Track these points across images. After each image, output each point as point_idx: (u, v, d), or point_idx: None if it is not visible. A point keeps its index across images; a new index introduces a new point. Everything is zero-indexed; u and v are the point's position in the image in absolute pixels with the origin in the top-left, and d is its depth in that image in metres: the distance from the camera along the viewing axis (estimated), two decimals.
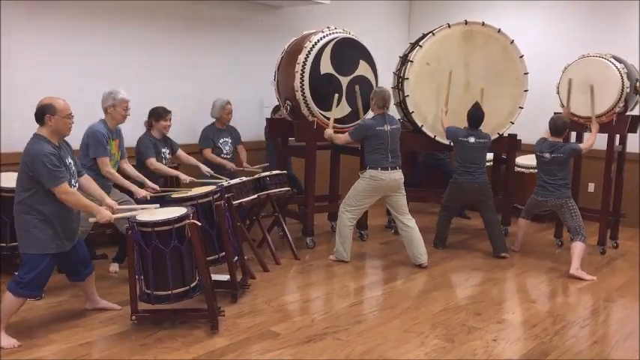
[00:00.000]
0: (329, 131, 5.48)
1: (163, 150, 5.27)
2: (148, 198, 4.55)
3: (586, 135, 5.89)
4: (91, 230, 4.58)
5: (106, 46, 5.61)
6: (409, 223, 5.34)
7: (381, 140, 5.17)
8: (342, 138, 5.43)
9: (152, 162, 5.11)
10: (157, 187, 4.78)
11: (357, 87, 5.63)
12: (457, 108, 5.97)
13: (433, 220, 6.41)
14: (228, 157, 5.84)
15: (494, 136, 6.03)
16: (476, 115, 5.69)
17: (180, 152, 5.43)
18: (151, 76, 5.87)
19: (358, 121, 5.65)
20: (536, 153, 5.56)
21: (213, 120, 5.91)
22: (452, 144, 5.90)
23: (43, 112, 3.55)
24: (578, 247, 5.24)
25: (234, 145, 5.94)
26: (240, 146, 6.00)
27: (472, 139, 5.64)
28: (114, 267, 4.93)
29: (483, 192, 5.71)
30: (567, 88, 5.82)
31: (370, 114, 5.52)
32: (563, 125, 5.47)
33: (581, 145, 5.52)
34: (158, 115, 5.22)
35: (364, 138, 5.29)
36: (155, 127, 5.24)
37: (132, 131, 5.14)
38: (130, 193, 4.61)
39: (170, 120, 5.28)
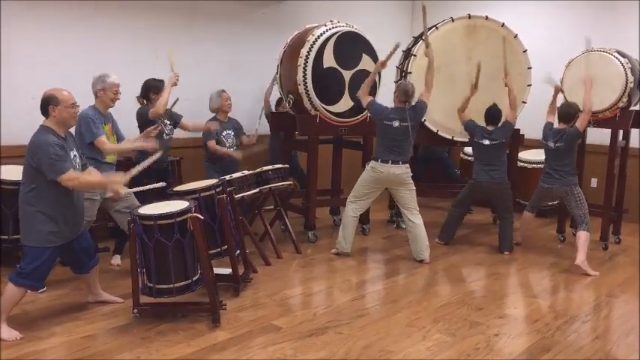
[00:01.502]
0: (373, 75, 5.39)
1: (165, 121, 5.16)
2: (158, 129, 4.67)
3: (589, 129, 5.87)
4: (94, 223, 4.57)
5: (107, 40, 5.60)
6: (414, 219, 5.31)
7: (387, 134, 5.16)
8: (365, 95, 5.30)
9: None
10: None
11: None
12: (460, 103, 5.94)
13: (434, 215, 6.42)
14: (231, 149, 5.82)
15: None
16: (490, 113, 5.67)
17: (184, 121, 5.34)
18: (153, 70, 5.82)
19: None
20: (541, 140, 5.54)
21: (214, 114, 5.88)
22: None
23: (46, 104, 3.56)
24: (582, 237, 5.21)
25: (237, 137, 5.92)
26: (243, 136, 5.99)
27: (486, 142, 5.61)
28: (116, 259, 4.94)
29: (503, 193, 5.66)
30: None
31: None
32: (573, 112, 5.39)
33: (577, 125, 5.35)
34: (157, 88, 5.08)
35: (375, 120, 5.26)
36: (155, 99, 5.05)
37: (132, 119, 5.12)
38: (141, 157, 4.53)
39: None
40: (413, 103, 5.21)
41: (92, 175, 3.78)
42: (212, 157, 5.69)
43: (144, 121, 4.99)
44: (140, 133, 4.88)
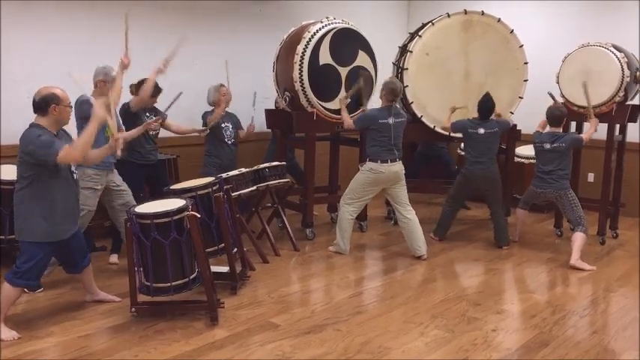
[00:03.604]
0: (345, 115, 5.47)
1: (147, 114, 5.12)
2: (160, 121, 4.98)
3: (586, 125, 5.86)
4: (89, 223, 4.56)
5: (104, 36, 5.57)
6: (408, 214, 5.32)
7: (383, 133, 5.14)
8: (348, 122, 5.42)
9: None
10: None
11: (361, 80, 5.57)
12: (457, 98, 5.95)
13: (432, 211, 6.41)
14: (230, 142, 5.80)
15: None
16: (485, 107, 5.60)
17: (169, 120, 5.29)
18: (150, 66, 5.83)
19: (363, 110, 5.65)
20: (535, 143, 5.52)
21: (212, 108, 5.87)
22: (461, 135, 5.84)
23: (47, 103, 3.50)
24: (578, 238, 5.23)
25: (235, 130, 5.91)
26: (241, 130, 5.99)
27: (482, 130, 5.57)
28: (113, 258, 4.94)
29: (493, 181, 5.65)
30: (584, 92, 5.60)
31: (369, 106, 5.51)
32: (561, 115, 5.42)
33: (582, 136, 5.48)
34: (155, 93, 5.09)
35: (366, 129, 5.27)
36: (142, 100, 4.99)
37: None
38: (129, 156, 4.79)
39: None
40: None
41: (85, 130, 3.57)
42: (211, 151, 5.68)
43: (128, 115, 4.98)
44: (125, 129, 4.84)
